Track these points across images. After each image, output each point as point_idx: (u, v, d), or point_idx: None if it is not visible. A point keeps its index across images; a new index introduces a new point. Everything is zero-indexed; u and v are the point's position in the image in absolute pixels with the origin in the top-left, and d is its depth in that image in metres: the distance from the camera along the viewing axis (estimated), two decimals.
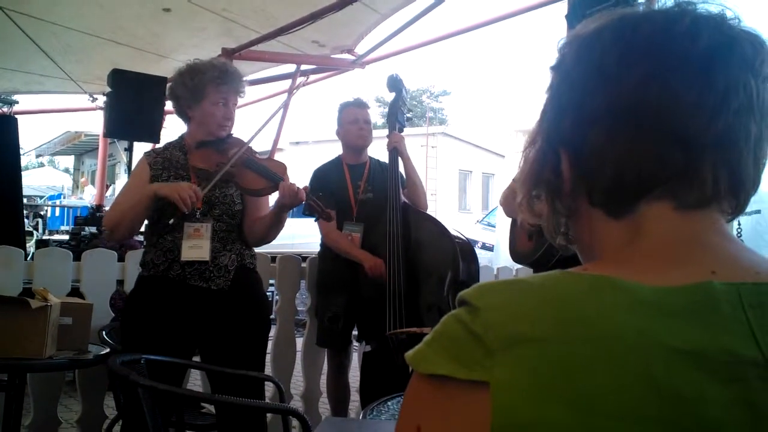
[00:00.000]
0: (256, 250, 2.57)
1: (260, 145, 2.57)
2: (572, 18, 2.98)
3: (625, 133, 0.61)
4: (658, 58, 0.60)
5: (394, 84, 3.27)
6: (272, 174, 2.36)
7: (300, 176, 2.52)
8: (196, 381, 3.77)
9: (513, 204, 3.51)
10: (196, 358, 2.52)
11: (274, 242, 2.51)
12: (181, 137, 2.53)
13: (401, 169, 3.21)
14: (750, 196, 0.64)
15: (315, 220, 2.44)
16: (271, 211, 2.42)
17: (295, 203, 2.30)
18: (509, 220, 3.36)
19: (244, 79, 2.54)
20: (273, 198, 2.42)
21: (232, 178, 2.36)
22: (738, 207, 0.64)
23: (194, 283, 2.32)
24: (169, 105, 6.09)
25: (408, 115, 3.31)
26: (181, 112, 2.51)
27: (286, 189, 2.28)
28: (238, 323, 2.37)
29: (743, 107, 0.59)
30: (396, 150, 3.17)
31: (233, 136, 2.49)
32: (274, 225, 2.39)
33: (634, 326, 0.51)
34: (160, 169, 2.42)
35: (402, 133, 3.26)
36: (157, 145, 2.66)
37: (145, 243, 2.50)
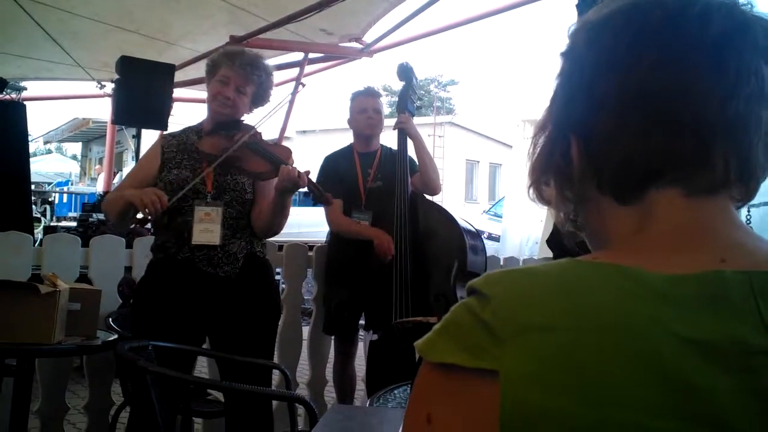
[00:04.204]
0: None
1: (267, 134, 2.57)
2: (582, 7, 2.95)
3: (635, 118, 0.61)
4: (668, 44, 0.60)
5: (405, 72, 3.25)
6: (275, 158, 2.36)
7: (307, 165, 2.52)
8: (203, 368, 3.79)
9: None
10: (205, 346, 2.53)
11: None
12: (201, 122, 2.55)
13: (412, 153, 3.19)
14: (760, 183, 0.63)
15: (313, 204, 2.45)
16: (274, 195, 2.41)
17: (294, 187, 2.29)
18: (517, 211, 3.33)
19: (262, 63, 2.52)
20: None
21: (236, 161, 2.36)
22: (748, 194, 0.64)
23: (203, 267, 2.33)
24: (177, 92, 6.11)
25: (417, 103, 3.29)
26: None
27: (285, 172, 2.27)
28: (247, 311, 2.38)
29: (755, 94, 0.59)
30: (403, 131, 3.15)
31: (244, 123, 2.49)
32: (277, 211, 2.37)
33: (644, 315, 0.51)
34: (174, 152, 2.44)
35: None
36: (176, 129, 2.66)
37: (153, 229, 2.50)
